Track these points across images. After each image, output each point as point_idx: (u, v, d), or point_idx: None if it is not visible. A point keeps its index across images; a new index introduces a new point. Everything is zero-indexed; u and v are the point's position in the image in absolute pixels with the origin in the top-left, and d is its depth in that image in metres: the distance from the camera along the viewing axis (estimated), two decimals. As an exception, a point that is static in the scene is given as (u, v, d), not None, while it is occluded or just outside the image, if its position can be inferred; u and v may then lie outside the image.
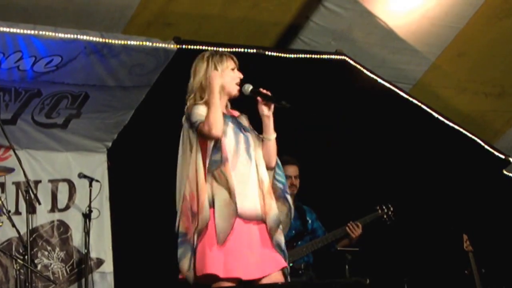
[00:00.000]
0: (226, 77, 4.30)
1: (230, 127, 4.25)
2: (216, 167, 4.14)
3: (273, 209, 4.24)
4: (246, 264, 4.09)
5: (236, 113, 4.44)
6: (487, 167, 8.27)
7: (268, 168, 4.30)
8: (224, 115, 4.23)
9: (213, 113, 4.11)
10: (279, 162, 4.41)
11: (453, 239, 7.27)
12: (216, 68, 4.28)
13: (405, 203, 7.30)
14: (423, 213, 7.76)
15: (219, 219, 4.09)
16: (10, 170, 6.35)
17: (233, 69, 4.34)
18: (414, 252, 7.67)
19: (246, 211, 4.15)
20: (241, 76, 4.34)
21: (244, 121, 4.40)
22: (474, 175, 8.05)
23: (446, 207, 7.83)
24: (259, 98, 4.31)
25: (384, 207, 6.69)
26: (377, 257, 7.36)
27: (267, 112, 4.29)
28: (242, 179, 4.18)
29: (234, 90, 4.31)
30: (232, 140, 4.23)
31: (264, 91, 4.31)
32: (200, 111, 4.19)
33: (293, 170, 6.47)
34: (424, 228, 7.74)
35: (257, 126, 4.42)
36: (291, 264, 6.31)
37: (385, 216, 6.67)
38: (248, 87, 4.31)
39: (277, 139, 4.36)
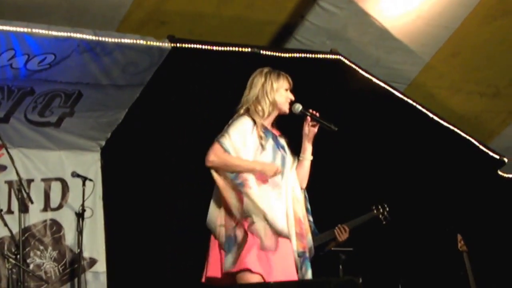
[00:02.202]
0: (280, 96, 4.50)
1: (270, 143, 4.45)
2: None
3: (309, 232, 4.59)
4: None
5: (277, 132, 4.61)
6: (481, 167, 8.28)
7: (300, 186, 4.58)
8: (267, 130, 4.48)
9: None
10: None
11: (447, 239, 7.27)
12: (272, 85, 4.51)
13: (400, 203, 7.30)
14: (417, 213, 7.76)
15: None
16: (2, 168, 6.33)
17: (286, 90, 4.54)
18: (408, 252, 7.67)
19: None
20: (293, 97, 4.54)
21: (283, 141, 4.61)
22: (468, 175, 8.05)
23: (441, 207, 7.83)
24: (308, 118, 4.54)
25: (379, 207, 6.67)
26: (372, 257, 7.36)
27: (311, 133, 4.55)
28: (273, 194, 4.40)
29: (286, 108, 4.52)
30: (270, 156, 4.42)
31: (314, 111, 4.53)
32: None
33: None
34: (419, 228, 7.74)
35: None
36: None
37: (380, 216, 6.66)
38: (299, 107, 4.53)
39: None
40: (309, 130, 4.57)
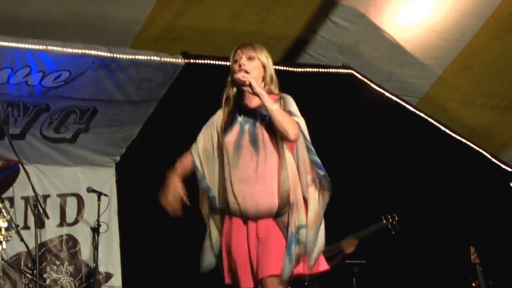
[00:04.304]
0: (232, 75, 4.20)
1: (238, 121, 4.14)
2: None
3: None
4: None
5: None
6: (494, 180, 8.27)
7: (287, 140, 3.99)
8: (241, 109, 4.16)
9: None
10: (306, 134, 4.08)
11: (460, 251, 7.26)
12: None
13: (412, 215, 7.31)
14: (430, 225, 7.76)
15: None
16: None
17: (235, 62, 4.21)
18: (421, 265, 7.66)
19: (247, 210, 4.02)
20: (239, 66, 4.15)
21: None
22: (481, 188, 8.05)
23: (453, 220, 7.83)
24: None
25: (388, 217, 6.68)
26: (384, 269, 7.36)
27: (251, 90, 4.08)
28: (244, 176, 4.03)
29: (237, 83, 4.15)
30: (234, 136, 4.10)
31: (237, 76, 4.13)
32: None
33: None
34: (432, 241, 7.74)
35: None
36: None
37: (389, 226, 6.65)
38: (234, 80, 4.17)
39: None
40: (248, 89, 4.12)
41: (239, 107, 4.18)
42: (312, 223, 4.00)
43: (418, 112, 7.78)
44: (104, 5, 6.43)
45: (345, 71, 7.43)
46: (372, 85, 7.54)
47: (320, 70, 7.32)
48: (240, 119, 4.14)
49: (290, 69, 7.13)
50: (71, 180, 7.27)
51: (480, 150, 8.18)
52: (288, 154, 4.03)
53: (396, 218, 6.72)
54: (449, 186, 7.89)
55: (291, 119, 4.02)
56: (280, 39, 7.25)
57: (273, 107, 3.99)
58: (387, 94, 7.60)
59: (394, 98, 7.67)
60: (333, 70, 7.40)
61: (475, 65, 7.79)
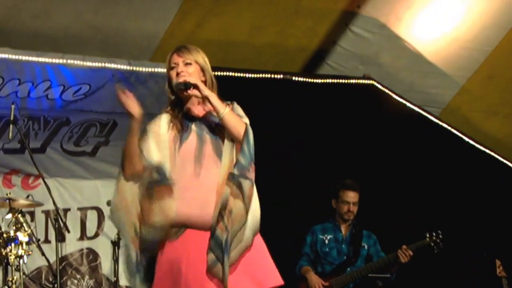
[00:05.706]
0: (171, 81, 3.96)
1: (193, 130, 3.92)
2: None
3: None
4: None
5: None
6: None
7: (239, 141, 3.82)
8: (191, 118, 3.95)
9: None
10: (249, 136, 3.85)
11: (486, 264, 7.17)
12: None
13: (437, 228, 7.23)
14: (455, 238, 7.67)
15: None
16: (39, 204, 6.39)
17: (172, 68, 3.97)
18: (446, 278, 7.58)
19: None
20: (177, 74, 3.92)
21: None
22: (506, 199, 7.96)
23: (479, 232, 7.74)
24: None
25: (433, 234, 6.55)
26: (408, 283, 7.28)
27: (199, 95, 3.89)
28: (209, 184, 3.84)
29: (178, 90, 3.93)
30: (193, 144, 3.91)
31: (180, 80, 3.89)
32: None
33: (353, 196, 6.39)
34: (457, 254, 7.65)
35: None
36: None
37: (432, 244, 6.53)
38: (177, 86, 3.91)
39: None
40: (196, 93, 3.90)
41: (186, 116, 3.97)
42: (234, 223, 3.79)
43: (440, 123, 7.72)
44: (123, 19, 6.46)
45: (366, 81, 7.41)
46: (393, 95, 7.50)
47: (341, 81, 7.30)
48: (193, 127, 3.93)
49: (310, 80, 7.12)
50: (91, 194, 7.26)
51: (505, 161, 8.09)
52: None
53: (441, 236, 6.57)
54: (474, 198, 7.81)
55: (241, 120, 3.87)
56: (299, 50, 7.24)
57: (224, 110, 3.82)
58: (408, 104, 7.55)
59: (416, 109, 7.62)
60: (354, 81, 7.38)
61: (498, 75, 7.73)
